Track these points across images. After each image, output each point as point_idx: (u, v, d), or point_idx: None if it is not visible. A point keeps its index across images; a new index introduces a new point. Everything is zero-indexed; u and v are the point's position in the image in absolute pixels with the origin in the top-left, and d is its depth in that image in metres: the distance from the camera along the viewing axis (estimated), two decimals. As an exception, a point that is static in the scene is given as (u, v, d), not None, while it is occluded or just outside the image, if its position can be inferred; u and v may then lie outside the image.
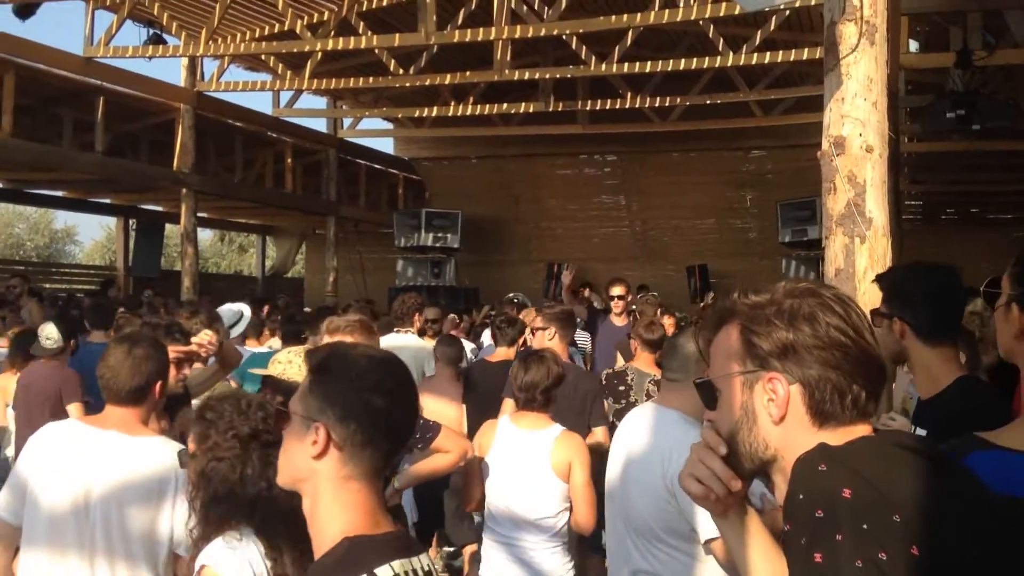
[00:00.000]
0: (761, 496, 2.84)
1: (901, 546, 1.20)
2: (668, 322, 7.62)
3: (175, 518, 2.91)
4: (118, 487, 2.93)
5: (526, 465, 3.75)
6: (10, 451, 5.81)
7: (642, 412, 3.18)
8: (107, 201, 17.56)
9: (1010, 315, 1.75)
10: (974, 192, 15.76)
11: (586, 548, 4.44)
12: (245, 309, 7.16)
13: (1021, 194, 15.10)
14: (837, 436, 1.35)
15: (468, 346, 8.21)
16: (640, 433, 3.07)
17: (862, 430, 1.37)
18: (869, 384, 1.37)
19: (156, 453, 3.02)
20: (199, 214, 14.41)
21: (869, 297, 3.76)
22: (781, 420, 1.38)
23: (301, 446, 1.70)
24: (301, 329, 6.37)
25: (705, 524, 2.67)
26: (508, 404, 4.60)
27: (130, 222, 17.44)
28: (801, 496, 1.28)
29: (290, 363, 3.24)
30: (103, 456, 2.97)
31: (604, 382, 5.53)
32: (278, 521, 2.35)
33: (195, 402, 3.73)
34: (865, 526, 1.21)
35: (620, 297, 7.76)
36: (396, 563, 1.62)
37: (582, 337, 7.99)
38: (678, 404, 3.00)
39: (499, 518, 3.81)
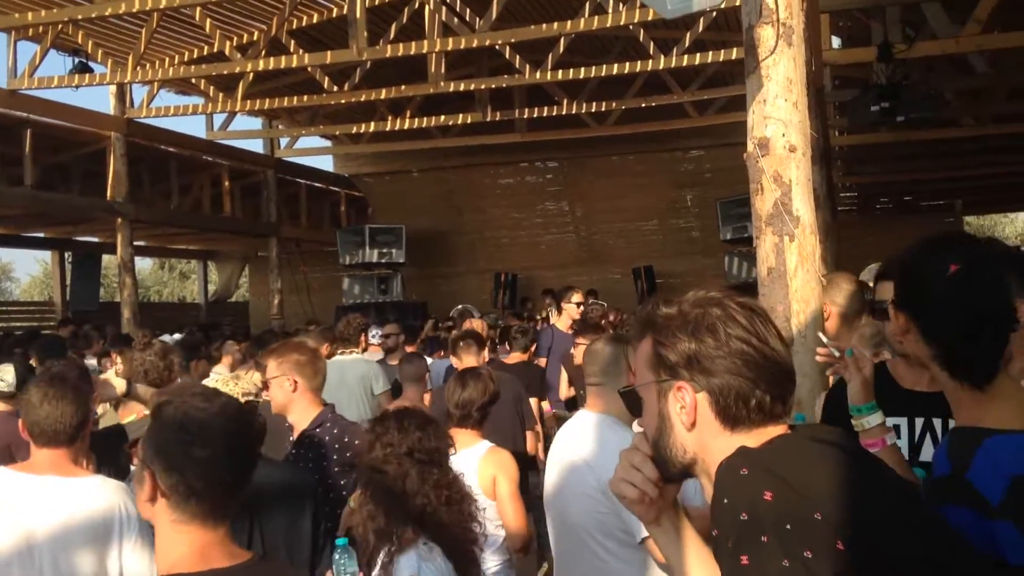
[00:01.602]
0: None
1: (825, 542, 1.24)
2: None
3: (123, 558, 2.88)
4: (63, 531, 2.87)
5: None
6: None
7: (572, 419, 3.23)
8: (40, 235, 17.16)
9: (892, 318, 1.86)
10: (906, 181, 16.16)
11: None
12: (174, 336, 7.17)
13: (950, 180, 15.52)
14: (751, 438, 1.40)
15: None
16: (569, 439, 3.14)
17: (774, 431, 1.41)
18: (774, 388, 1.41)
19: (97, 493, 2.98)
20: (136, 243, 14.15)
21: (801, 294, 3.84)
22: (693, 426, 1.43)
23: (139, 490, 1.80)
24: (184, 358, 6.28)
25: (637, 522, 2.71)
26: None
27: (66, 255, 17.07)
28: (726, 500, 1.32)
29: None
30: (43, 502, 2.90)
31: None
32: (444, 534, 2.59)
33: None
34: (788, 526, 1.25)
35: (580, 304, 7.98)
36: None
37: None
38: (603, 407, 3.09)
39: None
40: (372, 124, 14.16)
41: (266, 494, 3.08)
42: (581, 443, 3.07)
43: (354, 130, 14.71)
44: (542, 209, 18.36)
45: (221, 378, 3.39)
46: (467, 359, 5.91)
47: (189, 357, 6.20)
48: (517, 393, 5.79)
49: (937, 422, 2.42)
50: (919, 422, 2.46)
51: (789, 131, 3.82)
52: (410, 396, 5.75)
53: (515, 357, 7.10)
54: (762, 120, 3.86)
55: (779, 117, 3.83)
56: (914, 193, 18.00)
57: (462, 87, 12.13)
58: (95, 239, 17.22)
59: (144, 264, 33.76)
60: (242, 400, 3.21)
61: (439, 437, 2.78)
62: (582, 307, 8.00)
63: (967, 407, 1.73)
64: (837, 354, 2.35)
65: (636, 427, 1.62)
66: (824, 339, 2.47)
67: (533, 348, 7.22)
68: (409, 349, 7.98)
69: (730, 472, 1.34)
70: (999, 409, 1.70)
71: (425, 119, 13.69)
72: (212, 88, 12.51)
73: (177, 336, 7.06)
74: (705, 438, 1.43)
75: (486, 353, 6.35)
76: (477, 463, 3.71)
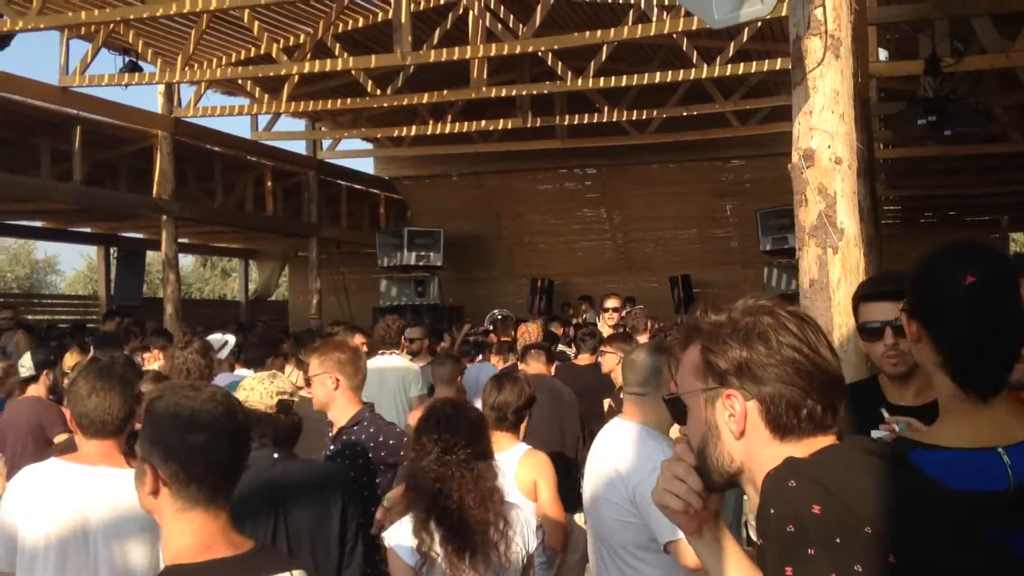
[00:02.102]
0: None
1: (877, 556, 1.24)
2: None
3: None
4: (116, 521, 2.93)
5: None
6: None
7: (608, 428, 3.24)
8: (87, 230, 17.48)
9: (905, 325, 1.83)
10: (950, 195, 15.93)
11: None
12: (230, 337, 7.21)
13: (996, 196, 15.27)
14: (800, 448, 1.39)
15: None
16: (604, 448, 3.16)
17: (823, 441, 1.41)
18: (825, 397, 1.41)
19: None
20: (180, 240, 14.36)
21: (844, 307, 3.81)
22: (741, 435, 1.43)
23: (141, 485, 1.89)
24: (263, 354, 6.33)
25: (662, 528, 2.75)
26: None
27: (111, 250, 17.35)
28: (772, 511, 1.32)
29: (252, 390, 3.27)
30: (98, 492, 2.95)
31: None
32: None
33: None
34: (838, 540, 1.24)
35: (615, 310, 8.08)
36: None
37: None
38: (640, 417, 3.09)
39: None
40: (413, 128, 14.24)
41: (292, 490, 3.13)
42: (615, 453, 3.08)
43: (395, 133, 14.80)
44: (580, 215, 18.35)
45: (256, 376, 3.43)
46: (535, 366, 5.96)
47: (269, 353, 6.29)
48: (568, 399, 5.81)
49: None
50: None
51: (835, 143, 3.80)
52: (443, 394, 5.80)
53: (584, 359, 7.18)
54: (808, 131, 3.84)
55: (825, 129, 3.81)
56: (959, 208, 17.72)
57: (504, 92, 12.18)
58: (140, 235, 17.50)
59: (187, 261, 34.25)
60: (276, 398, 3.26)
61: (483, 438, 2.83)
62: (615, 314, 8.11)
63: (953, 420, 1.72)
64: (899, 431, 2.26)
65: (676, 432, 1.62)
66: (886, 414, 2.40)
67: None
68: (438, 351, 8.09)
69: (777, 483, 1.34)
70: (984, 426, 1.70)
71: (466, 123, 13.75)
72: (258, 89, 12.68)
73: (228, 337, 7.11)
74: (753, 447, 1.42)
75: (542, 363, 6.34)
76: (515, 465, 3.74)
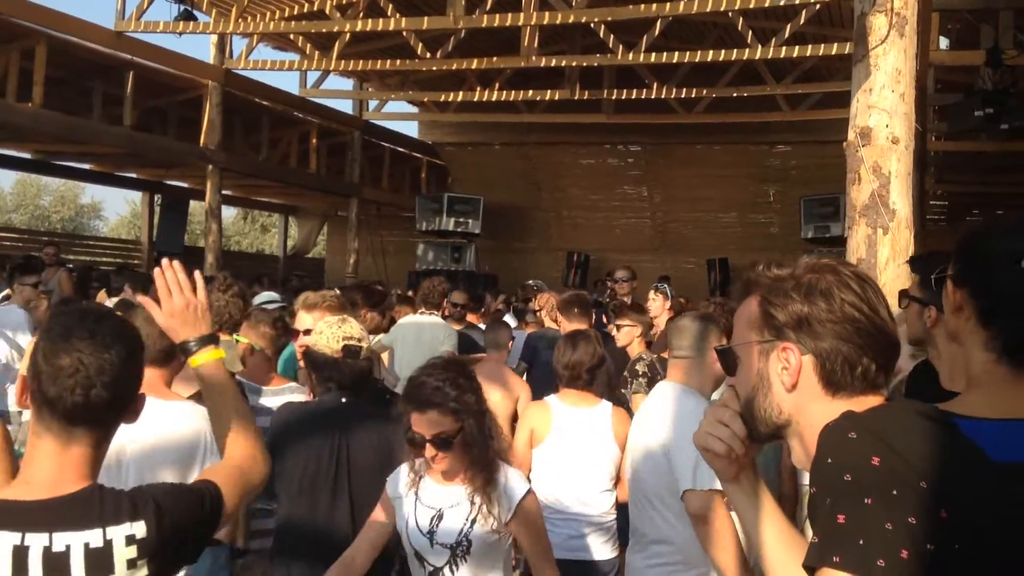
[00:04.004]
0: None
1: (929, 511, 1.26)
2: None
3: None
4: (152, 450, 2.99)
5: (586, 442, 3.85)
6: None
7: (655, 389, 3.32)
8: (133, 176, 17.71)
9: (948, 293, 1.80)
10: (1000, 194, 15.61)
11: None
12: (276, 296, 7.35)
13: (1048, 197, 14.93)
14: (850, 405, 1.41)
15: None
16: (648, 407, 3.32)
17: (873, 400, 1.43)
18: (880, 357, 1.44)
19: (187, 418, 3.08)
20: (224, 192, 14.52)
21: (891, 288, 3.79)
22: (793, 388, 1.45)
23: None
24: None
25: (683, 476, 2.92)
26: None
27: (155, 197, 17.58)
28: (830, 460, 1.33)
29: (320, 334, 3.29)
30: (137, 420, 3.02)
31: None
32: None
33: None
34: (895, 492, 1.26)
35: (625, 280, 8.09)
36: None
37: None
38: (683, 379, 3.23)
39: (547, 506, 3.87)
40: (460, 94, 14.23)
41: (356, 432, 3.16)
42: (656, 411, 3.22)
43: (441, 98, 14.81)
44: (621, 192, 18.25)
45: (327, 320, 3.45)
46: (575, 323, 5.95)
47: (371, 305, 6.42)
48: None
49: None
50: None
51: (893, 122, 3.77)
52: (493, 359, 5.83)
53: None
54: (866, 109, 3.82)
55: (884, 107, 3.78)
56: (1008, 207, 17.36)
57: (553, 63, 12.12)
58: (184, 184, 17.71)
59: (227, 214, 34.54)
60: (341, 343, 3.25)
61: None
62: (625, 284, 8.16)
63: (984, 391, 1.69)
64: None
65: (721, 392, 1.65)
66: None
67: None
68: (471, 319, 8.12)
69: (837, 434, 1.35)
70: (1018, 397, 1.68)
71: (513, 92, 13.71)
72: (308, 46, 12.73)
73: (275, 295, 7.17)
74: (804, 401, 1.44)
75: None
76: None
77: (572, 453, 3.91)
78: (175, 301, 2.09)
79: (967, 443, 1.42)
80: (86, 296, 5.99)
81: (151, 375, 3.15)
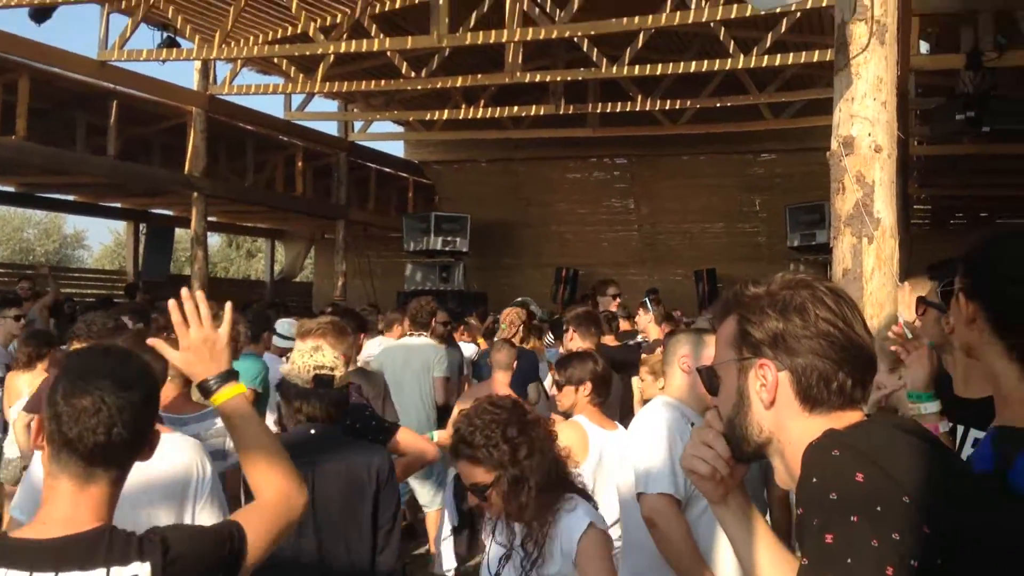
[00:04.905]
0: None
1: (913, 525, 1.26)
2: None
3: (196, 515, 2.91)
4: (144, 484, 2.92)
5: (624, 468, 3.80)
6: (12, 450, 5.86)
7: (649, 402, 3.37)
8: (118, 205, 17.66)
9: (960, 305, 1.79)
10: (984, 196, 15.70)
11: None
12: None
13: (1031, 198, 15.02)
14: (828, 421, 1.41)
15: (470, 349, 8.30)
16: (637, 418, 3.38)
17: (852, 416, 1.43)
18: (856, 372, 1.44)
19: (178, 450, 3.03)
20: (209, 218, 14.48)
21: (877, 297, 3.79)
22: (772, 405, 1.45)
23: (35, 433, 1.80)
24: (256, 331, 6.42)
25: (639, 481, 2.99)
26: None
27: (140, 226, 17.53)
28: (815, 480, 1.33)
29: (293, 363, 3.22)
30: None
31: None
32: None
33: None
34: (879, 508, 1.26)
35: (614, 296, 8.25)
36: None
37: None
38: (675, 394, 3.29)
39: None
40: (445, 112, 14.27)
41: (324, 469, 3.04)
42: (636, 422, 3.31)
43: (427, 117, 14.84)
44: (608, 206, 18.31)
45: (300, 348, 3.38)
46: (588, 341, 5.85)
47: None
48: None
49: (978, 433, 2.39)
50: (960, 429, 2.45)
51: (876, 131, 3.77)
52: (499, 380, 5.77)
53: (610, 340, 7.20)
54: (848, 118, 3.82)
55: (866, 116, 3.79)
56: (991, 210, 17.49)
57: (538, 78, 12.16)
58: (169, 212, 17.66)
59: (213, 241, 34.51)
60: (312, 372, 3.16)
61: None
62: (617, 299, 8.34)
63: (1015, 407, 1.69)
64: (910, 336, 2.33)
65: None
66: (902, 319, 2.44)
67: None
68: (456, 336, 8.13)
69: (820, 452, 1.36)
70: None
71: (498, 109, 13.75)
72: (293, 69, 12.75)
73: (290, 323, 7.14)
74: (783, 418, 1.45)
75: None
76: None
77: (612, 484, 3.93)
78: (192, 336, 2.01)
79: (951, 456, 1.43)
80: (61, 329, 5.95)
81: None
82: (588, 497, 2.73)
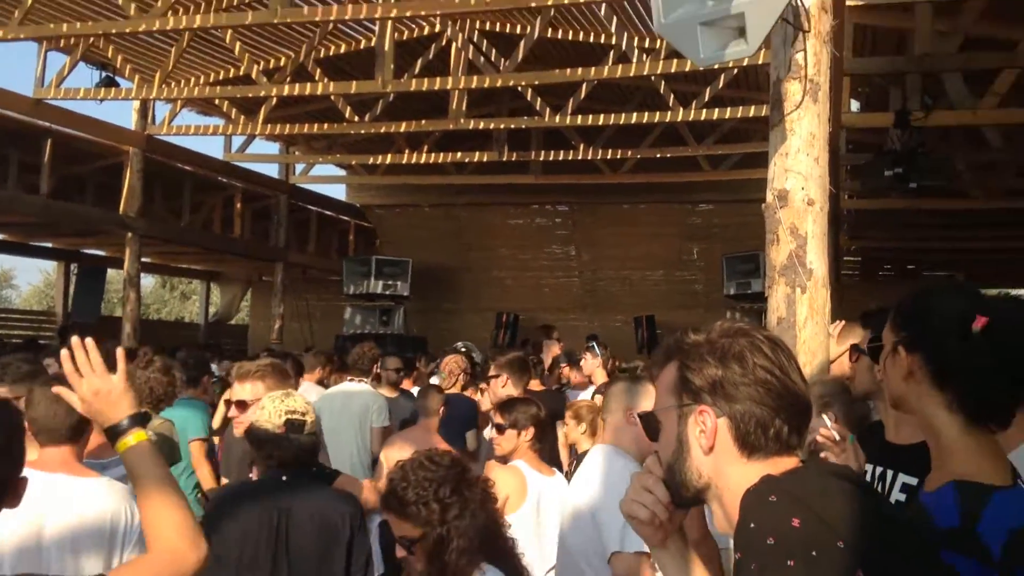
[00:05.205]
0: None
1: (847, 570, 1.28)
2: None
3: (124, 561, 2.84)
4: (71, 530, 2.86)
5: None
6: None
7: (590, 451, 3.34)
8: (48, 244, 17.23)
9: (897, 359, 1.81)
10: (911, 249, 16.24)
11: None
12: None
13: (956, 252, 15.59)
14: (765, 467, 1.44)
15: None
16: (580, 470, 3.32)
17: (788, 462, 1.45)
18: (793, 419, 1.46)
19: (105, 495, 2.97)
20: (143, 259, 14.21)
21: (810, 346, 3.87)
22: (711, 450, 1.47)
23: None
24: (195, 375, 6.31)
25: (613, 537, 2.90)
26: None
27: (71, 266, 17.11)
28: (753, 525, 1.35)
29: (263, 409, 3.17)
30: (54, 500, 2.89)
31: None
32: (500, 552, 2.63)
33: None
34: (814, 553, 1.28)
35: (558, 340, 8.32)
36: None
37: None
38: (612, 439, 3.27)
39: None
40: (388, 156, 14.28)
41: (297, 517, 3.01)
42: (586, 473, 3.24)
43: (370, 161, 14.84)
44: (549, 252, 18.45)
45: (272, 394, 3.31)
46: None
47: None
48: None
49: (908, 478, 2.41)
50: (889, 474, 2.46)
51: (808, 185, 3.87)
52: (423, 426, 5.66)
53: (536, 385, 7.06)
54: (783, 172, 3.92)
55: (799, 171, 3.89)
56: (918, 262, 18.06)
57: (482, 125, 12.28)
58: (102, 252, 17.28)
59: (146, 282, 33.85)
60: (284, 418, 3.14)
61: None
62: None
63: (978, 457, 1.72)
64: (838, 438, 2.36)
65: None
66: (828, 421, 2.46)
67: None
68: (406, 384, 7.98)
69: (758, 498, 1.38)
70: (994, 458, 1.71)
71: (442, 155, 13.82)
72: (234, 110, 12.66)
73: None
74: (721, 464, 1.47)
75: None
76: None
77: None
78: (84, 387, 1.98)
79: (884, 502, 1.46)
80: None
81: (62, 453, 3.05)
82: (513, 558, 2.67)
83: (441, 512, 2.52)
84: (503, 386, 5.37)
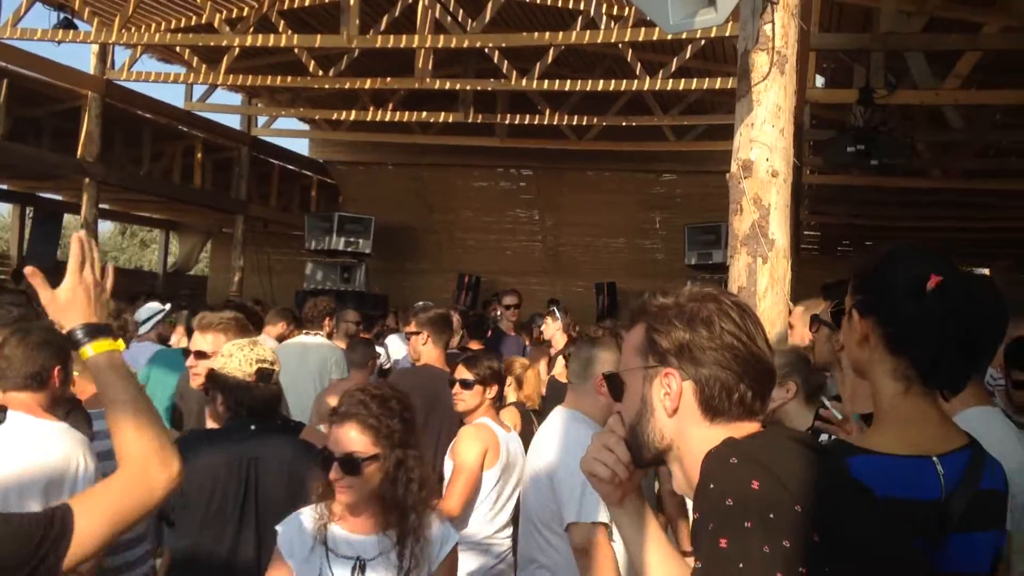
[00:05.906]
0: None
1: (803, 533, 1.31)
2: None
3: None
4: (16, 474, 2.86)
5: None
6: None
7: (550, 415, 3.34)
8: (3, 187, 16.84)
9: (852, 323, 1.83)
10: (870, 226, 16.46)
11: None
12: (166, 307, 7.16)
13: (913, 230, 15.84)
14: (728, 431, 1.46)
15: (402, 350, 8.31)
16: (540, 432, 3.33)
17: (750, 427, 1.48)
18: (756, 385, 1.48)
19: (58, 440, 2.98)
20: (101, 205, 13.95)
21: (769, 315, 3.93)
22: (674, 413, 1.49)
23: None
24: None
25: (570, 504, 2.93)
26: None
27: (27, 210, 16.75)
28: (712, 486, 1.37)
29: (231, 356, 3.13)
30: (6, 435, 2.89)
31: None
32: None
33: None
34: (772, 515, 1.31)
35: (515, 307, 8.34)
36: None
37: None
38: (575, 404, 3.27)
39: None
40: (353, 113, 14.11)
41: (266, 464, 3.02)
42: (545, 436, 3.25)
43: (334, 116, 14.64)
44: (512, 216, 18.42)
45: (236, 342, 3.28)
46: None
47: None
48: None
49: None
50: None
51: (773, 156, 3.92)
52: (356, 380, 5.73)
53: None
54: (748, 143, 3.96)
55: (765, 142, 3.93)
56: (876, 239, 18.31)
57: (447, 86, 12.17)
58: (59, 197, 16.93)
59: (105, 228, 33.20)
60: (255, 366, 3.11)
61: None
62: (515, 311, 8.48)
63: (891, 426, 1.74)
64: (840, 417, 2.37)
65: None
66: (827, 403, 2.46)
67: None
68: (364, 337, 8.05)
69: (719, 460, 1.40)
70: (921, 433, 1.72)
71: (407, 113, 13.67)
72: (196, 59, 12.40)
73: (165, 306, 6.99)
74: (684, 426, 1.48)
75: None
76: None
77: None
78: (85, 274, 1.83)
79: (842, 469, 1.50)
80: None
81: (25, 399, 3.04)
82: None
83: (403, 434, 2.42)
84: (424, 343, 5.37)
